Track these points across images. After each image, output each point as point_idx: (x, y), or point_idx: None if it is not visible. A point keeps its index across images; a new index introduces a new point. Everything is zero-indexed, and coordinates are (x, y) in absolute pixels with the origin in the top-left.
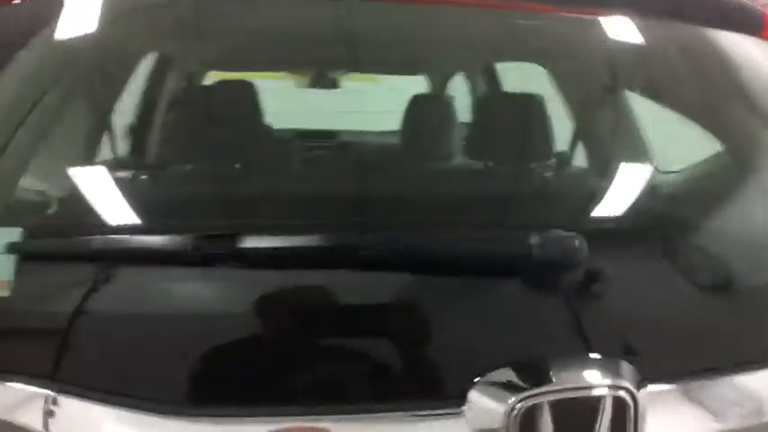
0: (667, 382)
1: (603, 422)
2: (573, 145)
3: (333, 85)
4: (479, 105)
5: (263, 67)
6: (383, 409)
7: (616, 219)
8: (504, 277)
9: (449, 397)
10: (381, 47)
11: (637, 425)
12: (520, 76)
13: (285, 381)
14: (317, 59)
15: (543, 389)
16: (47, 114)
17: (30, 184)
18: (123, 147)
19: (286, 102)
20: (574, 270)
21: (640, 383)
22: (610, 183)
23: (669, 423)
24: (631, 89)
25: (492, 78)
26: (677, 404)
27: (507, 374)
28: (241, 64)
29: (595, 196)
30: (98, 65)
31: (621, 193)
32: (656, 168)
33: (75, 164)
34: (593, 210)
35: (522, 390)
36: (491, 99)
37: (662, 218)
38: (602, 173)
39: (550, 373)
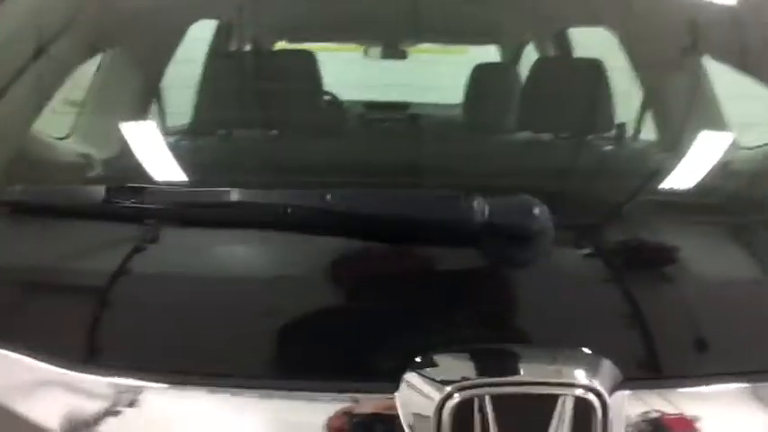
0: (731, 380)
1: (559, 426)
2: (641, 115)
3: (402, 56)
4: (535, 73)
5: (329, 38)
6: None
7: (682, 196)
8: (447, 245)
9: None
10: (450, 16)
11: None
12: (588, 43)
13: (361, 352)
14: (385, 30)
15: (483, 380)
16: (107, 76)
17: (86, 143)
18: (184, 112)
19: (353, 73)
20: (534, 241)
21: (617, 385)
22: (679, 157)
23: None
24: (709, 55)
25: (560, 46)
26: (742, 404)
27: (448, 359)
28: (308, 35)
29: (659, 171)
30: (166, 30)
31: (691, 169)
32: (733, 143)
33: (129, 127)
34: (655, 186)
35: (459, 379)
36: (547, 66)
37: (736, 197)
38: (671, 145)
39: (497, 362)
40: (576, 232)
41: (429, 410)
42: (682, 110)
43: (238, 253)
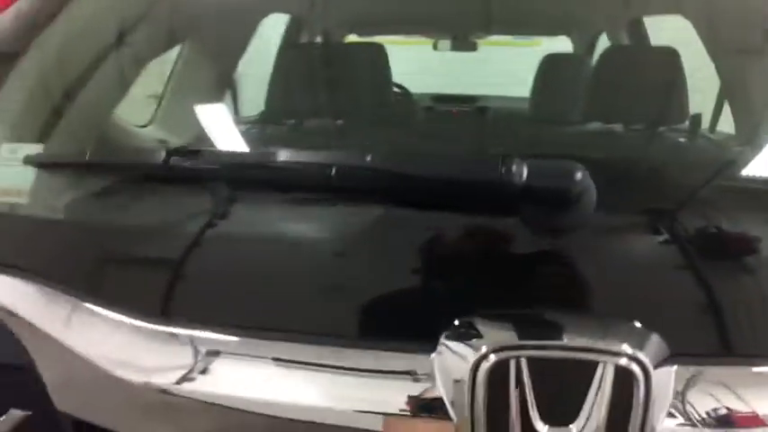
0: None
1: (599, 394)
2: (717, 106)
3: (472, 48)
4: (605, 62)
5: (399, 31)
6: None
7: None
8: (489, 210)
9: None
10: (521, 7)
11: (647, 405)
12: (663, 32)
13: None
14: (455, 22)
15: (519, 341)
16: (184, 68)
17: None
18: (257, 102)
19: (422, 64)
20: (576, 205)
21: (664, 359)
22: (756, 150)
23: None
24: None
25: (635, 35)
26: None
27: (485, 322)
28: (378, 28)
29: (734, 164)
30: (240, 24)
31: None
32: None
33: (205, 116)
34: (729, 180)
35: (495, 340)
36: (617, 56)
37: None
38: (749, 138)
39: (535, 326)
40: (635, 213)
41: (464, 372)
42: (762, 101)
43: (297, 220)
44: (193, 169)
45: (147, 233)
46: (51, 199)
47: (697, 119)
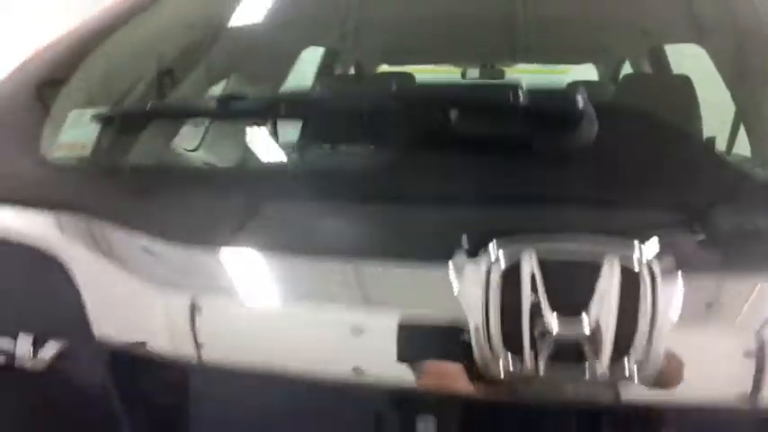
0: None
1: (607, 292)
2: (732, 131)
3: (500, 76)
4: (623, 89)
5: (429, 61)
6: None
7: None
8: (500, 132)
9: None
10: (547, 36)
11: (655, 308)
12: (683, 59)
13: None
14: (483, 51)
15: (529, 237)
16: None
17: None
18: (294, 128)
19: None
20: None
21: (671, 267)
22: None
23: None
24: None
25: (656, 63)
26: None
27: (496, 231)
28: (408, 58)
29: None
30: (280, 56)
31: None
32: None
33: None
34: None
35: (506, 245)
36: (635, 83)
37: None
38: (765, 162)
39: (546, 230)
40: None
41: (478, 280)
42: None
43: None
44: (244, 110)
45: (190, 169)
46: (110, 150)
47: (711, 142)
